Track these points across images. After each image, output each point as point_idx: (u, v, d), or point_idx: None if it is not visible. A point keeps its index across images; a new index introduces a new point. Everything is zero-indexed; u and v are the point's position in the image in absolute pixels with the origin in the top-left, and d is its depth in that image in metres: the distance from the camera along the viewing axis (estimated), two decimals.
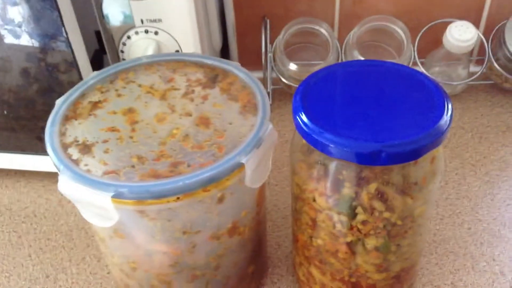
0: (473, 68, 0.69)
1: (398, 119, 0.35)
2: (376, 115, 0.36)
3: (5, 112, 0.56)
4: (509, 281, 0.49)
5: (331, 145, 0.34)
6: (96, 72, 0.43)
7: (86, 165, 0.36)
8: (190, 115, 0.40)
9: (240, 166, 0.36)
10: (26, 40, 0.50)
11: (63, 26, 0.48)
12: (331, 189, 0.37)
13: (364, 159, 0.33)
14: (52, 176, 0.62)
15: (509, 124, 0.65)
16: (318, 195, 0.37)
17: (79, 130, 0.38)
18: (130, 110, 0.40)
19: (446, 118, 0.35)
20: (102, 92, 0.41)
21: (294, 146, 0.40)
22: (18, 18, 0.48)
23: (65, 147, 0.37)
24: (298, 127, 0.36)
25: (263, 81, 0.69)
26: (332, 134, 0.34)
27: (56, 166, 0.36)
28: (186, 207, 0.37)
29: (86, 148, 0.37)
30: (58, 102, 0.41)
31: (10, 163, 0.61)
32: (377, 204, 0.36)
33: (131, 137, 0.38)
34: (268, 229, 0.55)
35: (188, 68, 0.44)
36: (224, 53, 0.76)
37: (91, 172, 0.35)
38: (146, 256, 0.41)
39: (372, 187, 0.35)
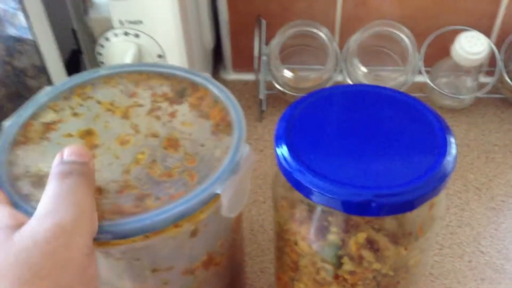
0: (483, 79, 0.64)
1: (393, 159, 0.31)
2: (369, 153, 0.31)
3: None
4: None
5: (314, 190, 0.29)
6: (48, 88, 0.38)
7: (38, 201, 0.31)
8: (156, 136, 0.35)
9: (215, 196, 0.32)
10: None
11: (30, 28, 0.44)
12: (315, 235, 0.32)
13: (352, 209, 0.29)
14: None
15: None
16: (301, 239, 0.33)
17: (30, 158, 0.33)
18: (89, 132, 0.35)
19: (448, 159, 0.30)
20: (55, 111, 0.37)
21: (276, 179, 0.36)
22: None
23: (14, 179, 0.32)
24: (278, 161, 0.32)
25: (256, 85, 0.64)
26: (316, 176, 0.29)
27: None
28: (156, 244, 0.33)
29: (39, 181, 0.32)
30: (6, 124, 0.36)
31: None
32: (367, 254, 0.32)
33: None
34: (251, 253, 0.51)
35: (152, 81, 0.39)
36: (217, 53, 0.71)
37: None
38: None
39: (362, 236, 0.31)
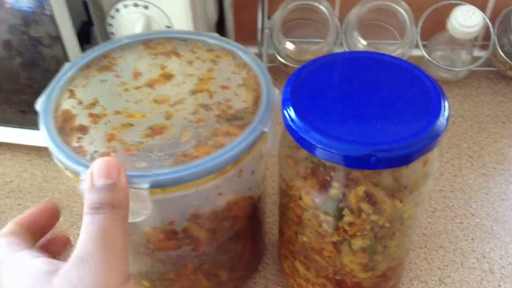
0: (477, 52, 0.67)
1: (391, 119, 0.33)
2: (369, 114, 0.34)
3: None
4: (498, 279, 0.48)
5: (318, 146, 0.32)
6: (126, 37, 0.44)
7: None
8: (195, 113, 0.37)
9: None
10: (8, 12, 0.47)
11: (47, 0, 0.46)
12: (318, 189, 0.35)
13: (352, 162, 0.32)
14: (38, 150, 0.61)
15: (509, 114, 0.63)
16: (305, 193, 0.36)
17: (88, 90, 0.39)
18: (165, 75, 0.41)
19: (441, 120, 0.33)
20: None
21: (282, 139, 0.38)
22: None
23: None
24: (285, 122, 0.35)
25: (259, 57, 0.66)
26: (320, 133, 0.32)
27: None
28: None
29: (68, 118, 0.37)
30: (79, 57, 0.41)
31: None
32: (365, 207, 0.34)
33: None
34: None
35: (224, 58, 0.43)
36: (220, 27, 0.73)
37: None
38: None
39: (361, 189, 0.34)
